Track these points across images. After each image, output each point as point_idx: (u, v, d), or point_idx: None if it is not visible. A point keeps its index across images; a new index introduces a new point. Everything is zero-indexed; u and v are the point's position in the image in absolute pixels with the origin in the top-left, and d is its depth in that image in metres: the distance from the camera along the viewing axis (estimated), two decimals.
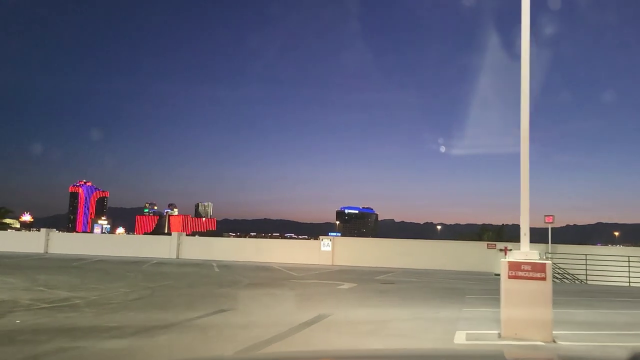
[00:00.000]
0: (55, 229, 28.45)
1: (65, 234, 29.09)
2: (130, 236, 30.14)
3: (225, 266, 22.57)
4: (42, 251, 27.12)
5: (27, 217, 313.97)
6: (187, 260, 25.36)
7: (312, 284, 16.10)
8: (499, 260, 7.94)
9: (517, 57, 8.33)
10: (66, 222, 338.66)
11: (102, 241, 28.36)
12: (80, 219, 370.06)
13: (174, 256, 26.29)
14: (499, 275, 7.69)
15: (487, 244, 24.25)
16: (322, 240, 25.88)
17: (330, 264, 25.29)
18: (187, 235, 28.60)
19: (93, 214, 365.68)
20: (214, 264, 23.58)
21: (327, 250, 25.60)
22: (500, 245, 23.74)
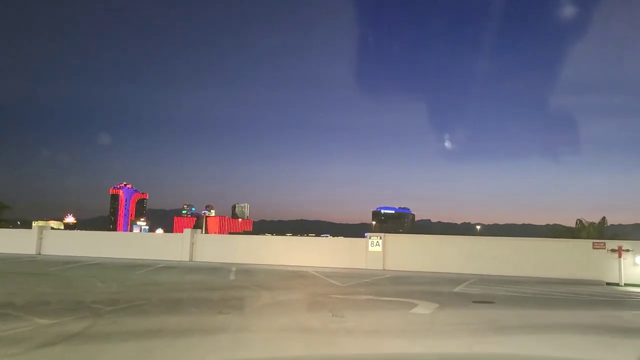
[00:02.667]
0: (49, 227, 23.90)
1: (63, 232, 24.69)
2: (138, 235, 25.66)
3: (246, 272, 17.41)
4: (33, 252, 22.77)
5: (70, 219, 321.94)
6: (200, 264, 20.35)
7: (368, 305, 10.68)
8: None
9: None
10: (108, 224, 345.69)
11: (104, 241, 23.70)
12: (120, 220, 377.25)
13: (187, 258, 21.35)
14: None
15: (593, 243, 18.07)
16: (370, 238, 20.34)
17: (381, 268, 19.73)
18: (205, 233, 23.48)
19: (133, 216, 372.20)
20: (233, 269, 18.45)
21: (376, 250, 20.06)
22: (611, 244, 17.61)
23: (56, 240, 23.36)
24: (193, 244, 21.84)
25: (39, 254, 23.03)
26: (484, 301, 11.00)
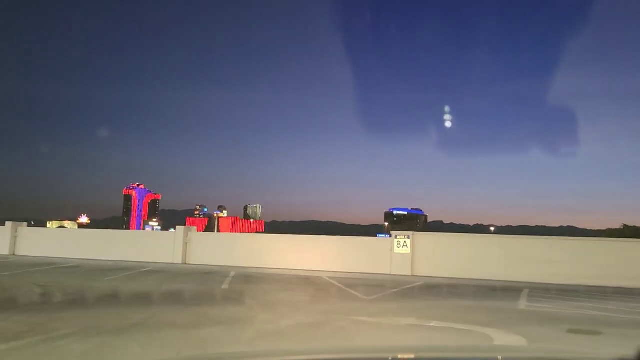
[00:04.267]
0: (25, 223, 20.91)
1: (40, 230, 21.81)
2: (123, 233, 22.68)
3: (246, 278, 14.22)
4: (7, 252, 19.82)
5: (84, 219, 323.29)
6: (193, 268, 17.19)
7: (414, 335, 7.24)
8: None
9: None
10: (121, 224, 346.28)
11: (87, 240, 20.57)
12: (133, 220, 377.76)
13: (179, 260, 18.20)
14: None
15: None
16: (395, 237, 16.97)
17: (409, 273, 16.39)
18: (201, 231, 20.26)
19: (146, 216, 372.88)
20: (231, 274, 15.24)
21: (403, 252, 16.70)
22: None
23: (34, 239, 20.38)
24: (187, 243, 18.67)
25: (13, 254, 20.07)
26: (586, 331, 7.49)
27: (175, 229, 19.32)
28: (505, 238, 17.80)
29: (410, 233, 17.00)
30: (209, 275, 14.90)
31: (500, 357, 2.65)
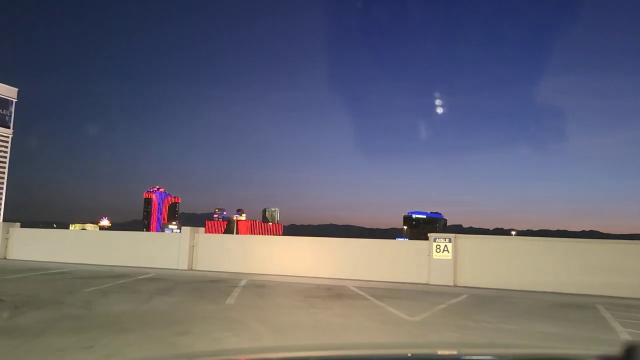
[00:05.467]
0: (18, 224, 18.89)
1: (35, 232, 19.76)
2: (126, 235, 20.50)
3: (258, 288, 11.90)
4: None
5: (105, 222, 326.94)
6: (199, 275, 14.95)
7: None
8: None
9: None
10: (141, 227, 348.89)
11: (84, 242, 18.37)
12: (153, 224, 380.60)
13: (184, 266, 15.95)
14: None
15: None
16: (435, 241, 14.44)
17: (451, 283, 13.87)
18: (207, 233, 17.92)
19: (165, 219, 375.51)
20: (241, 283, 12.96)
21: (444, 258, 14.17)
22: None
23: (27, 241, 18.36)
24: (193, 246, 16.43)
25: (4, 258, 18.10)
26: None
27: (180, 230, 17.10)
28: (567, 242, 15.02)
29: (451, 235, 14.45)
30: (215, 284, 12.60)
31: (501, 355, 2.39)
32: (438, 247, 14.31)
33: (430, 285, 14.01)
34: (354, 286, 13.53)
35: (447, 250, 14.23)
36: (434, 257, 14.29)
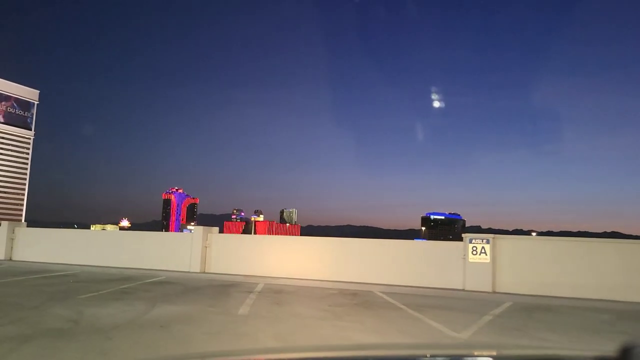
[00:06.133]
0: (25, 223, 17.99)
1: (40, 232, 18.76)
2: (136, 235, 19.34)
3: (276, 295, 10.67)
4: (1, 257, 16.94)
5: (125, 223, 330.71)
6: (213, 279, 13.80)
7: None
8: None
9: None
10: (160, 228, 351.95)
11: (94, 242, 17.28)
12: (172, 224, 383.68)
13: (197, 268, 14.80)
14: None
15: None
16: (471, 242, 13.01)
17: (489, 289, 12.44)
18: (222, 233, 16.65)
19: (184, 220, 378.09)
20: (257, 288, 11.75)
21: (481, 261, 12.73)
22: None
23: (33, 241, 17.41)
24: (206, 247, 15.27)
25: (9, 259, 17.20)
26: None
27: (193, 230, 15.97)
28: (626, 244, 13.40)
29: (489, 236, 13.01)
30: (228, 289, 11.40)
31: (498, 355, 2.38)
32: (474, 248, 12.88)
33: (466, 291, 12.61)
34: (380, 292, 12.23)
35: (485, 253, 12.80)
36: (469, 260, 12.87)
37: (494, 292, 12.49)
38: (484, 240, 12.91)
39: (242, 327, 6.84)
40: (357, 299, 10.57)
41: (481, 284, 12.60)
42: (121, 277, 13.28)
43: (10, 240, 17.28)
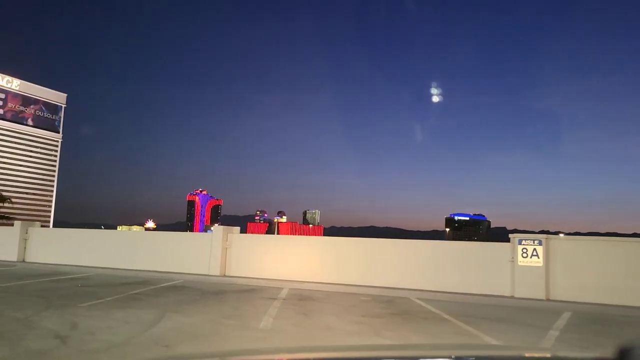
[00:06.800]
0: (38, 223, 17.22)
1: (54, 232, 18.09)
2: (153, 235, 18.39)
3: (302, 301, 9.47)
4: (14, 258, 16.20)
5: (150, 224, 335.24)
6: (232, 283, 12.70)
7: None
8: None
9: None
10: (185, 229, 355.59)
11: (109, 243, 16.31)
12: (197, 225, 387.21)
13: (216, 271, 13.71)
14: None
15: None
16: (520, 243, 11.56)
17: (542, 296, 11.00)
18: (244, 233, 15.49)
19: (208, 221, 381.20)
20: (281, 294, 10.57)
21: (532, 265, 11.27)
22: None
23: (47, 242, 16.61)
24: (227, 248, 14.17)
25: (23, 260, 16.44)
26: None
27: (212, 230, 14.91)
28: None
29: (542, 237, 11.54)
30: (249, 296, 10.24)
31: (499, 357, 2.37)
32: (524, 250, 11.44)
33: (515, 298, 11.18)
34: (417, 298, 10.91)
35: (537, 255, 11.34)
36: (519, 263, 11.43)
37: (548, 300, 11.04)
38: (536, 242, 11.46)
39: (266, 345, 5.64)
40: (394, 308, 9.29)
41: (533, 290, 11.16)
42: (135, 281, 12.27)
43: (24, 240, 16.52)
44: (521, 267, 11.38)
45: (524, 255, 11.41)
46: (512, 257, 11.56)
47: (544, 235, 11.52)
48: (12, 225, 16.84)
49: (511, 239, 11.90)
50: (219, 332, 6.35)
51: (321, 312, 8.30)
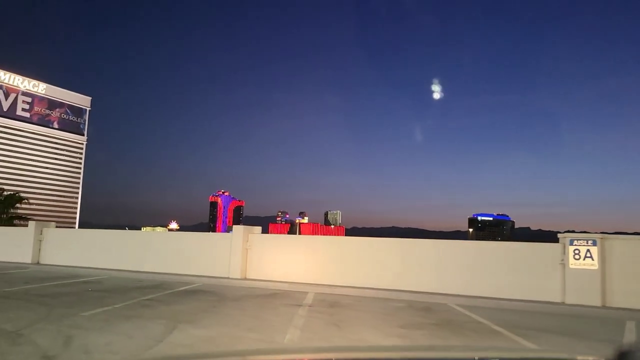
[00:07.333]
0: (54, 224, 16.60)
1: (70, 232, 17.52)
2: (170, 236, 17.64)
3: (330, 307, 8.51)
4: (28, 260, 15.63)
5: (174, 225, 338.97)
6: (253, 286, 11.82)
7: None
8: None
9: None
10: (207, 230, 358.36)
11: (127, 245, 15.49)
12: (219, 226, 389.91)
13: (237, 274, 12.83)
14: None
15: None
16: (572, 244, 10.36)
17: (598, 303, 9.80)
18: (264, 233, 14.55)
19: (230, 222, 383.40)
20: (306, 299, 9.65)
21: (586, 268, 10.07)
22: None
23: (63, 243, 15.97)
24: (247, 250, 13.29)
25: (37, 262, 15.86)
26: None
27: (232, 230, 14.04)
28: None
29: (596, 236, 10.32)
30: (272, 301, 9.31)
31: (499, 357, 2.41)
32: (577, 252, 10.24)
33: (567, 305, 10.00)
34: (457, 305, 9.85)
35: (591, 257, 10.13)
36: (570, 265, 10.24)
37: (604, 307, 9.82)
38: (589, 242, 10.24)
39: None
40: (434, 317, 8.24)
41: (587, 296, 9.96)
42: (150, 285, 11.48)
43: (38, 242, 15.94)
44: (573, 270, 10.19)
45: (577, 257, 10.22)
46: (563, 259, 10.39)
47: (599, 235, 10.29)
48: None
49: (560, 239, 10.71)
50: (237, 348, 5.42)
51: (354, 322, 7.31)
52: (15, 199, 28.59)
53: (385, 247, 12.22)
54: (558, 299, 10.28)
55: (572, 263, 10.21)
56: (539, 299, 10.36)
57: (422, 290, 11.09)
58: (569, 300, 10.11)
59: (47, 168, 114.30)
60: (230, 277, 12.91)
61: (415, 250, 11.90)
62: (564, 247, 10.43)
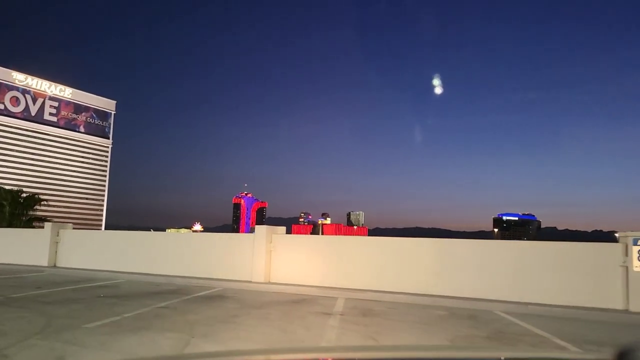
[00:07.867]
0: (70, 225, 16.00)
1: (87, 234, 16.92)
2: (192, 237, 16.80)
3: (363, 316, 7.54)
4: (45, 263, 15.08)
5: (197, 227, 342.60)
6: (277, 292, 10.97)
7: None
8: None
9: None
10: (231, 231, 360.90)
11: (146, 246, 14.75)
12: (242, 228, 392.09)
13: (260, 277, 11.97)
14: None
15: None
16: (636, 244, 9.16)
17: None
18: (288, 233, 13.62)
19: (253, 223, 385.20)
20: (337, 305, 8.71)
21: None
22: None
23: (80, 245, 15.36)
24: (271, 251, 12.40)
25: (54, 265, 15.29)
26: None
27: (255, 231, 13.16)
28: None
29: None
30: (299, 309, 8.39)
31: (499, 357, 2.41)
32: None
33: (632, 313, 8.82)
34: (505, 312, 8.76)
35: None
36: (634, 269, 9.05)
37: None
38: None
39: None
40: (482, 327, 7.19)
41: None
42: (167, 290, 10.71)
43: (55, 244, 15.38)
44: (637, 273, 8.99)
45: None
46: (624, 261, 9.20)
47: None
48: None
49: (620, 238, 9.53)
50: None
51: (393, 335, 6.33)
52: (34, 200, 28.41)
53: (421, 248, 11.15)
54: (620, 306, 9.10)
55: (637, 265, 9.02)
56: (597, 306, 9.20)
57: (462, 295, 10.02)
58: (634, 307, 8.93)
59: (74, 171, 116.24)
60: (253, 280, 12.05)
61: (454, 250, 10.80)
62: (626, 247, 9.24)
